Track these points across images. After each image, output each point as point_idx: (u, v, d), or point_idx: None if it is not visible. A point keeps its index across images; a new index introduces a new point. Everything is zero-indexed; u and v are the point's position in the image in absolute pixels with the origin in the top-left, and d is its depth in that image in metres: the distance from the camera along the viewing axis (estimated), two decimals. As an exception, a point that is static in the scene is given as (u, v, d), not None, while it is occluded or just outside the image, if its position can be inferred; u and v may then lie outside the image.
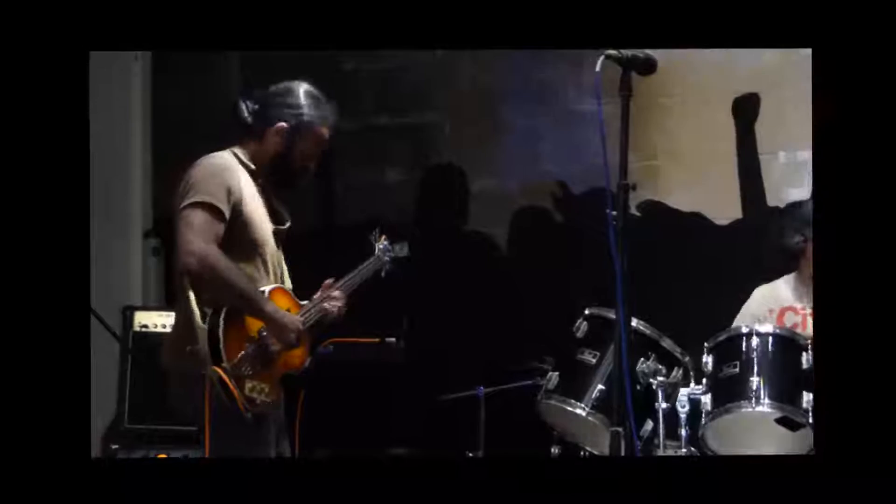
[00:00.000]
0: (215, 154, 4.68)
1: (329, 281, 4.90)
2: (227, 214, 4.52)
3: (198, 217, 4.48)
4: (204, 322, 4.42)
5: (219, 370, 4.36)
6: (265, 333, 4.52)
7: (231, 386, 4.37)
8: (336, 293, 4.85)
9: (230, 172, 4.60)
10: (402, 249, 5.18)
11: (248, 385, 4.46)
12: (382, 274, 5.11)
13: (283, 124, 4.71)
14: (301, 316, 4.71)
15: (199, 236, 4.45)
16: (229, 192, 4.53)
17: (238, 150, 4.73)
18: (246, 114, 4.75)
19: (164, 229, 7.46)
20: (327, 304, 4.81)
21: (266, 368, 4.53)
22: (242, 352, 4.45)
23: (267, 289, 4.63)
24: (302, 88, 4.78)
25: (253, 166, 4.71)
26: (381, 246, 5.12)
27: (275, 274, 4.74)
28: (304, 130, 4.74)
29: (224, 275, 4.49)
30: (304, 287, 4.92)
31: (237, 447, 4.47)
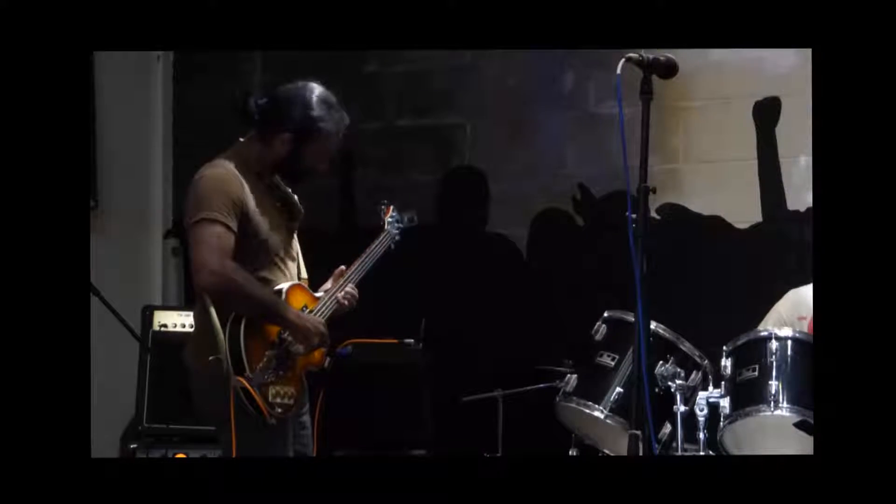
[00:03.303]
0: (216, 163, 4.56)
1: (341, 268, 4.83)
2: (235, 227, 4.44)
3: (208, 233, 4.40)
4: (224, 331, 4.37)
5: (243, 381, 4.33)
6: (285, 336, 4.49)
7: (256, 396, 4.34)
8: (348, 287, 4.77)
9: (232, 184, 4.48)
10: (410, 219, 5.14)
11: (272, 391, 4.43)
12: (392, 247, 5.03)
13: (288, 134, 4.55)
14: (319, 310, 4.65)
15: (213, 254, 4.38)
16: (233, 204, 4.44)
17: (242, 152, 4.61)
18: (255, 112, 4.60)
19: (183, 230, 7.48)
20: (339, 295, 4.73)
21: (288, 371, 4.49)
22: (265, 359, 4.42)
23: (284, 287, 4.57)
24: (314, 93, 4.60)
25: (258, 168, 4.58)
26: (389, 219, 5.08)
27: (291, 273, 4.69)
28: (312, 137, 4.58)
29: (245, 289, 4.43)
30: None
31: (257, 449, 4.43)
